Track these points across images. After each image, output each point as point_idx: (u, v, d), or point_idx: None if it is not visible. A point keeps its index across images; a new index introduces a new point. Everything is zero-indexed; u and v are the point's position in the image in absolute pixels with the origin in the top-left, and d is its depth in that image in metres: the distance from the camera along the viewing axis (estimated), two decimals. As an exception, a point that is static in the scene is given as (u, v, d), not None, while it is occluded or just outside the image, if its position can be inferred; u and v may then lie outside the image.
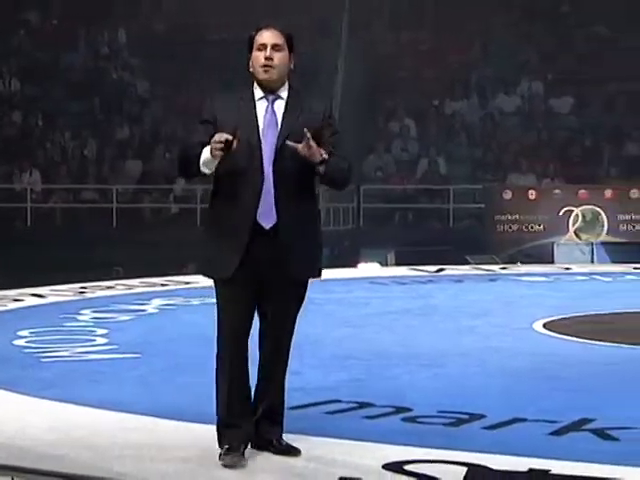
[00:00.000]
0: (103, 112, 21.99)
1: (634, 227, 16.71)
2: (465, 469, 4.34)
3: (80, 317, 9.52)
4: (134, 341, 8.14)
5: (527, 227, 16.95)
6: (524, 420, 5.33)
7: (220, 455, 4.51)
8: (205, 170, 4.45)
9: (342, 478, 4.28)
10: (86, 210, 20.05)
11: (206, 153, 4.40)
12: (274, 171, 4.47)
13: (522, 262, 16.05)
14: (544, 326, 9.03)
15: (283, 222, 4.50)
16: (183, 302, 10.93)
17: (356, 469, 4.39)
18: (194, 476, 4.42)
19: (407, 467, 4.41)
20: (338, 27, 22.75)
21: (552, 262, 16.07)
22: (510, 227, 16.98)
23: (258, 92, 4.58)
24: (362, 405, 5.71)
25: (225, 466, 4.44)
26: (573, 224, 16.71)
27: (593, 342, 8.17)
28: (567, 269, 14.96)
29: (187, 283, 12.97)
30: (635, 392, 6.21)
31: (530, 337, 8.53)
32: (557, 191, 17.28)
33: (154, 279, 13.03)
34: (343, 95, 21.74)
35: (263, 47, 4.51)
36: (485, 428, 5.19)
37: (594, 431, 5.11)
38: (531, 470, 4.35)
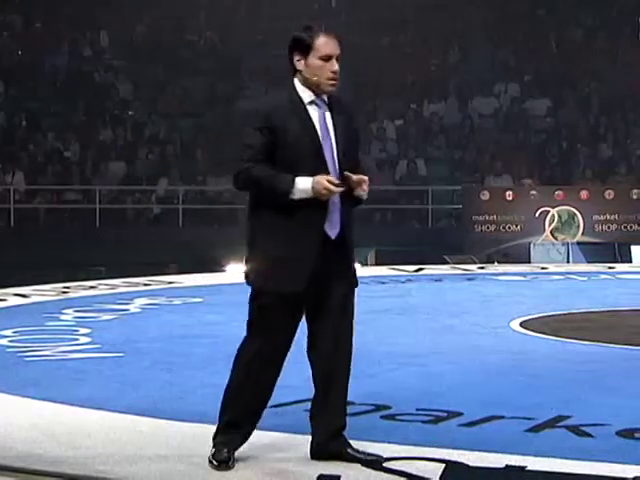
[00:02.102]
0: (86, 114, 21.91)
1: (609, 227, 16.80)
2: (443, 466, 4.35)
3: (63, 317, 9.49)
4: (117, 340, 8.12)
5: (504, 227, 17.01)
6: (501, 417, 5.34)
7: (216, 450, 4.42)
8: (292, 197, 4.23)
9: (321, 475, 4.28)
10: (69, 211, 19.98)
11: (305, 185, 4.20)
12: (338, 179, 4.32)
13: (499, 262, 16.11)
14: (521, 325, 9.06)
15: (346, 231, 4.38)
16: (166, 302, 10.91)
17: (336, 467, 4.39)
18: (175, 474, 4.41)
19: (386, 464, 4.42)
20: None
21: (529, 262, 16.13)
22: (488, 227, 17.04)
23: (306, 95, 4.39)
24: (342, 403, 5.70)
25: (218, 462, 4.36)
26: (549, 224, 16.78)
27: (569, 340, 8.21)
28: (543, 269, 15.02)
29: (170, 283, 12.96)
30: (609, 389, 6.24)
31: (507, 335, 8.56)
32: (533, 192, 17.35)
33: (137, 279, 13.00)
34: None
35: (328, 58, 4.36)
36: (463, 425, 5.20)
37: (569, 428, 5.13)
38: (507, 466, 4.37)
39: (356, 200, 4.42)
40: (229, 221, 19.78)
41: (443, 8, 22.87)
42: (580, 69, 22.00)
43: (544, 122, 21.56)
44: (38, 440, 4.92)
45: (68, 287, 12.09)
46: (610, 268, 14.96)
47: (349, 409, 5.55)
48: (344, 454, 4.42)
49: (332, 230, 4.34)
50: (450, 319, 9.58)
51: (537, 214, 16.82)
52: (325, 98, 4.43)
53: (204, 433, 5.06)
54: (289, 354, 7.46)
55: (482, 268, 15.33)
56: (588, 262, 16.11)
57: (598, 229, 16.80)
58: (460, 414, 5.41)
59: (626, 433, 5.03)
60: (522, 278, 13.72)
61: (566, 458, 4.50)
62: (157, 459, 4.58)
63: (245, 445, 4.83)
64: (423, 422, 5.29)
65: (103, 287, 12.31)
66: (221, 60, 22.39)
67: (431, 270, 15.02)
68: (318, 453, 4.47)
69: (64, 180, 20.47)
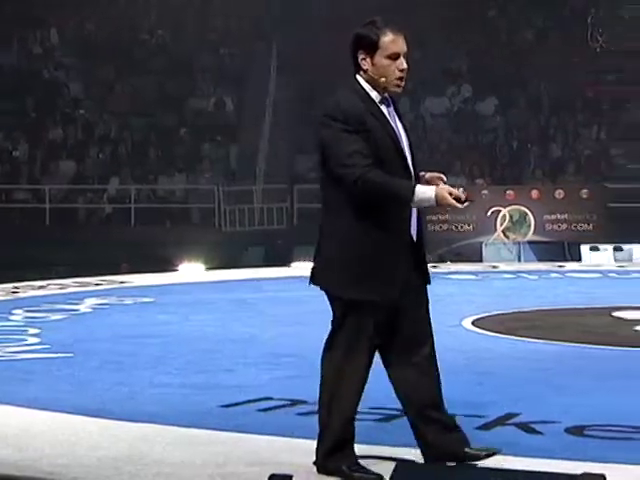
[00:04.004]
0: (36, 112, 21.67)
1: (559, 227, 16.95)
2: (394, 464, 4.35)
3: (12, 317, 9.39)
4: (66, 341, 8.04)
5: (456, 227, 17.11)
6: (452, 415, 5.35)
7: (352, 470, 4.22)
8: (412, 204, 4.09)
9: (273, 475, 4.26)
10: (18, 210, 19.76)
11: (428, 194, 4.04)
12: (414, 179, 4.22)
13: (452, 261, 16.21)
14: (473, 323, 9.11)
15: (422, 232, 4.29)
16: (116, 302, 10.83)
17: (288, 466, 4.38)
18: (125, 475, 4.37)
19: (338, 463, 4.41)
20: (271, 28, 22.69)
21: (481, 261, 16.24)
22: (440, 227, 17.12)
23: (374, 94, 4.23)
24: (295, 402, 5.71)
25: (359, 478, 4.19)
26: (501, 224, 16.90)
27: (520, 339, 8.27)
28: (495, 267, 15.13)
29: (121, 283, 12.86)
30: (559, 387, 6.30)
31: (459, 334, 8.60)
32: (485, 192, 17.46)
33: (87, 279, 12.89)
34: (276, 96, 21.72)
35: (396, 56, 4.17)
36: (414, 423, 5.20)
37: (519, 425, 5.17)
38: (458, 463, 4.38)
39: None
40: (181, 220, 19.70)
41: (395, 9, 22.95)
42: (531, 70, 22.19)
43: (495, 122, 21.73)
44: (-15, 442, 4.85)
45: (17, 287, 11.95)
46: (560, 267, 15.11)
47: (302, 408, 5.57)
48: (462, 453, 4.29)
49: (413, 231, 4.25)
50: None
51: (489, 214, 16.94)
52: (388, 96, 4.29)
53: (154, 433, 5.03)
54: (234, 355, 7.49)
55: (434, 267, 15.38)
56: (539, 261, 16.26)
57: (548, 228, 16.95)
58: (412, 412, 5.41)
59: (575, 430, 5.08)
60: (474, 277, 13.81)
61: (516, 455, 4.53)
62: (106, 460, 4.54)
63: (198, 446, 4.81)
64: (375, 420, 5.30)
65: (53, 287, 12.18)
66: (172, 59, 22.27)
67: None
68: (433, 453, 4.31)
69: (13, 179, 20.25)
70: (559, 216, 16.95)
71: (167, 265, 15.09)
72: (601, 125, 21.47)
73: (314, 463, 4.33)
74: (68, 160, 20.75)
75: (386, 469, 4.28)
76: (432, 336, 4.39)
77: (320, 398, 4.32)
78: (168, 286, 12.57)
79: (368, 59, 4.18)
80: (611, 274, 14.29)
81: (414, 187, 4.08)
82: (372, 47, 4.16)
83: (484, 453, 4.30)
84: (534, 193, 17.17)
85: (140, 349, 7.75)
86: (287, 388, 6.12)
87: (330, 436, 4.26)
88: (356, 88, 4.23)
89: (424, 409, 4.31)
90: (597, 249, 16.17)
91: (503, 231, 16.91)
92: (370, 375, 6.61)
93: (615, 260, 15.64)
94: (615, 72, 22.37)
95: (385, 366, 4.38)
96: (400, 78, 4.20)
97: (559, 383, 6.43)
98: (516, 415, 5.37)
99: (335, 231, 4.20)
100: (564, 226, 16.92)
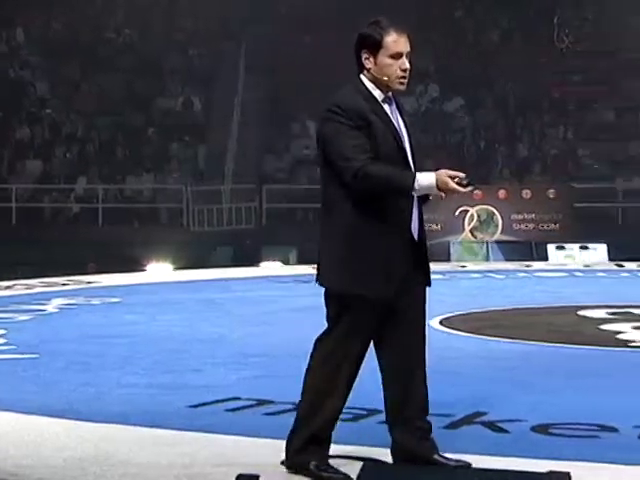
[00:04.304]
0: (2, 112, 21.49)
1: (526, 226, 17.05)
2: (361, 463, 4.35)
3: (-23, 318, 9.29)
4: (32, 341, 7.98)
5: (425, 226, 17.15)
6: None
7: (311, 467, 4.20)
8: (414, 192, 4.08)
9: (240, 475, 4.25)
10: (-16, 210, 19.61)
11: (429, 180, 4.04)
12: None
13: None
14: (440, 322, 9.13)
15: (423, 232, 4.28)
16: (84, 302, 10.76)
17: (255, 466, 4.37)
18: (91, 476, 4.34)
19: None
20: (240, 28, 22.66)
21: (448, 260, 16.30)
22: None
23: (377, 93, 4.25)
24: (262, 402, 5.70)
25: (328, 478, 4.17)
26: (469, 223, 16.98)
27: (487, 338, 8.31)
28: (463, 267, 15.19)
29: (88, 283, 12.78)
30: (526, 386, 6.33)
31: (427, 333, 8.60)
32: (453, 191, 17.51)
33: (54, 279, 12.79)
34: (245, 96, 21.68)
35: (399, 56, 4.20)
36: (381, 423, 5.20)
37: (486, 424, 5.19)
38: (426, 462, 4.39)
39: (424, 198, 4.29)
40: (149, 220, 19.62)
41: (362, 10, 22.98)
42: (497, 70, 22.32)
43: (463, 122, 21.82)
44: (-51, 444, 4.80)
45: (-17, 287, 11.84)
46: (527, 266, 15.19)
47: (267, 408, 5.56)
48: (433, 459, 4.28)
49: (414, 231, 4.24)
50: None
51: (457, 213, 17.00)
52: (391, 95, 4.31)
53: (120, 434, 5.01)
54: (202, 355, 7.47)
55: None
56: (506, 260, 16.34)
57: (516, 228, 17.05)
58: (379, 412, 5.42)
59: (540, 428, 5.11)
60: (442, 276, 13.82)
61: (482, 454, 4.54)
62: (72, 461, 4.51)
63: (164, 446, 4.79)
64: (342, 420, 5.27)
65: (19, 287, 12.08)
66: (139, 58, 22.17)
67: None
68: (403, 457, 4.30)
69: (-21, 179, 20.09)
70: (526, 216, 17.04)
71: (135, 265, 15.02)
72: (567, 125, 21.64)
73: (282, 463, 4.32)
74: (35, 159, 20.61)
75: (354, 469, 4.29)
76: (425, 340, 4.40)
77: (304, 392, 4.31)
78: (135, 286, 12.50)
79: (371, 58, 4.23)
80: (577, 273, 14.40)
81: (414, 175, 4.09)
82: (375, 46, 4.21)
83: (453, 464, 4.30)
84: (501, 193, 17.25)
85: (107, 349, 7.70)
86: (255, 388, 6.11)
87: (306, 431, 4.25)
88: (359, 87, 4.27)
89: (410, 418, 4.32)
90: (563, 248, 16.30)
91: (471, 231, 16.98)
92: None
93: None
94: (581, 72, 22.55)
95: (380, 369, 4.39)
96: (402, 77, 4.23)
97: (525, 382, 6.46)
98: (483, 414, 5.39)
99: (334, 228, 4.22)
100: (531, 226, 17.02)
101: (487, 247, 16.77)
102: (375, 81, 4.25)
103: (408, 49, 4.24)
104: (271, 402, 5.68)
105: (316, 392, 4.27)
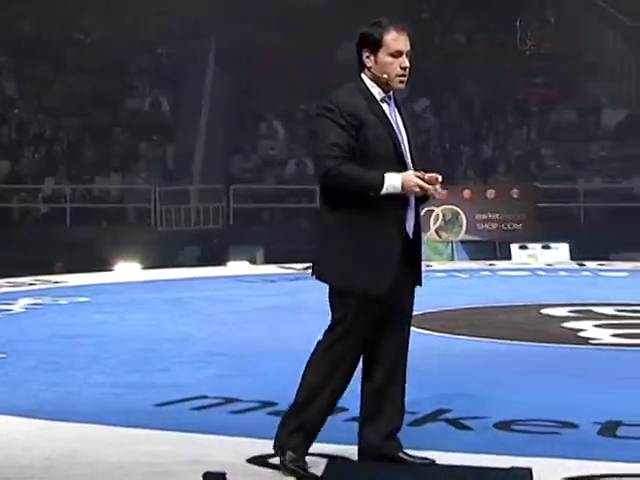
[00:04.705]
0: (-31, 112, 21.33)
1: (490, 226, 17.15)
2: (326, 460, 4.37)
3: (-56, 318, 9.22)
4: (-1, 341, 7.93)
5: (391, 226, 17.21)
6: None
7: (286, 456, 4.21)
8: (380, 194, 4.07)
9: (207, 473, 4.26)
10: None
11: (394, 184, 4.06)
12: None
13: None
14: (405, 321, 9.16)
15: (419, 230, 4.30)
16: (51, 301, 10.70)
17: (221, 464, 4.38)
18: (58, 474, 4.33)
19: (271, 460, 4.42)
20: (208, 28, 22.60)
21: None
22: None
23: (376, 92, 4.27)
24: (228, 400, 5.71)
25: (292, 471, 4.17)
26: (434, 223, 17.05)
27: (452, 336, 8.36)
28: (428, 266, 15.24)
29: (55, 282, 12.72)
30: (489, 383, 6.38)
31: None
32: (418, 191, 17.58)
33: (21, 279, 12.70)
34: (213, 96, 21.64)
35: (399, 54, 4.23)
36: (347, 420, 5.23)
37: (449, 421, 5.23)
38: (387, 459, 4.41)
39: (423, 198, 4.32)
40: (117, 220, 19.53)
41: (332, 9, 23.03)
42: (462, 72, 22.43)
43: (429, 123, 21.91)
44: None
45: (-50, 287, 11.74)
46: (491, 265, 15.29)
47: (234, 406, 5.58)
48: (398, 457, 4.30)
49: (410, 228, 4.25)
50: (337, 316, 9.62)
51: (422, 213, 17.03)
52: (392, 95, 4.33)
53: (89, 433, 5.00)
54: (169, 354, 7.46)
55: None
56: (471, 260, 16.43)
57: (480, 227, 17.13)
58: (345, 410, 5.44)
59: (503, 425, 5.15)
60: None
61: (446, 451, 4.58)
62: (41, 460, 4.49)
63: (132, 445, 4.78)
64: (308, 418, 5.31)
65: (-14, 287, 11.99)
66: (107, 59, 22.05)
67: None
68: (370, 455, 4.31)
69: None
70: (490, 215, 17.13)
71: (103, 265, 14.94)
72: (531, 126, 21.80)
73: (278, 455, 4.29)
74: (2, 160, 20.43)
75: (319, 466, 4.31)
76: (409, 339, 4.40)
77: (301, 384, 4.32)
78: (103, 286, 12.45)
79: (372, 57, 4.25)
80: (540, 272, 14.51)
81: (383, 176, 4.10)
82: (376, 45, 4.24)
83: (417, 461, 4.33)
84: (466, 193, 17.32)
85: (75, 349, 7.67)
86: (221, 386, 6.12)
87: (296, 421, 4.27)
88: (359, 85, 4.29)
89: (387, 417, 4.34)
90: (526, 248, 16.42)
91: (436, 230, 17.06)
92: (298, 371, 6.64)
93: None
94: (543, 74, 22.73)
95: (363, 363, 4.38)
96: (402, 75, 4.26)
97: (489, 379, 6.52)
98: (447, 411, 5.43)
99: (329, 225, 4.22)
100: (495, 225, 17.11)
101: (452, 246, 16.85)
102: (375, 80, 4.27)
103: (408, 48, 4.28)
104: (237, 400, 5.69)
105: (312, 386, 4.29)
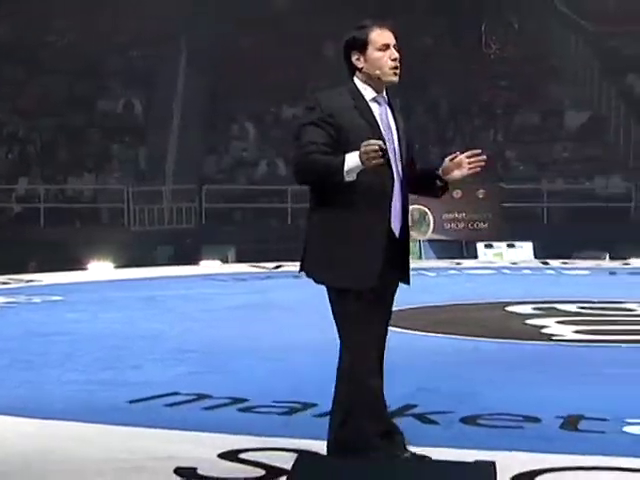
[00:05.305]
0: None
1: (457, 225, 17.22)
2: (296, 455, 4.38)
3: None
4: (-27, 340, 7.87)
5: (359, 225, 17.23)
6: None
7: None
8: (348, 178, 4.00)
9: (179, 468, 4.25)
10: None
11: (354, 160, 3.98)
12: (401, 175, 4.23)
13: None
14: (373, 318, 9.18)
15: (406, 226, 4.25)
16: (25, 300, 10.63)
17: (193, 459, 4.37)
18: (32, 470, 4.30)
19: (242, 455, 4.43)
20: (179, 31, 22.53)
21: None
22: (344, 225, 17.21)
23: (369, 93, 4.24)
24: (200, 397, 5.69)
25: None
26: (402, 222, 17.07)
27: (418, 333, 8.39)
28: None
29: (29, 281, 12.63)
30: (455, 379, 6.41)
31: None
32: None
33: (-4, 278, 12.62)
34: (185, 97, 21.58)
35: (386, 47, 4.22)
36: (316, 416, 5.24)
37: (416, 416, 5.25)
38: (357, 454, 4.42)
39: (442, 188, 4.29)
40: (91, 220, 19.43)
41: (300, 13, 23.05)
42: (430, 75, 22.51)
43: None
44: None
45: None
46: (458, 264, 15.36)
47: (205, 403, 5.57)
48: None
49: (395, 225, 4.21)
50: (308, 314, 9.63)
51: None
52: (385, 95, 4.28)
53: (62, 430, 4.98)
54: (141, 352, 7.43)
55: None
56: (438, 258, 16.50)
57: (447, 227, 17.20)
58: (315, 405, 5.46)
59: (469, 420, 5.18)
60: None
61: (413, 445, 4.58)
62: (15, 456, 4.46)
63: (105, 441, 4.77)
64: (279, 414, 5.32)
65: (-39, 286, 11.89)
66: (81, 60, 21.93)
67: (290, 267, 15.08)
68: (339, 449, 4.25)
69: None
70: (457, 215, 17.20)
71: (76, 264, 14.86)
72: (496, 128, 21.91)
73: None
74: (-24, 160, 20.28)
75: (289, 461, 4.31)
76: (386, 338, 4.38)
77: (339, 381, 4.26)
78: (77, 285, 12.38)
79: (361, 57, 4.25)
80: (505, 270, 14.60)
81: (344, 157, 4.05)
82: (363, 45, 4.25)
83: (383, 455, 4.34)
84: (433, 193, 17.35)
85: (49, 347, 7.62)
86: (193, 383, 6.11)
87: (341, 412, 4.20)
88: (349, 85, 4.27)
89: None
90: (491, 247, 16.51)
91: (404, 230, 17.08)
92: (275, 370, 6.66)
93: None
94: (508, 78, 22.87)
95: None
96: (394, 67, 4.25)
97: (455, 375, 6.54)
98: (413, 406, 5.45)
99: (315, 221, 4.23)
100: (461, 225, 17.18)
101: (420, 246, 16.90)
102: (368, 80, 4.25)
103: (394, 41, 4.27)
104: (209, 397, 5.68)
105: (350, 379, 4.21)
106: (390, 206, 4.19)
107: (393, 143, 4.24)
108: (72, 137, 20.82)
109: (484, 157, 4.28)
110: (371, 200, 4.13)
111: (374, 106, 4.24)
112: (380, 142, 4.00)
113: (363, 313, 4.17)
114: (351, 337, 4.19)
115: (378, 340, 4.29)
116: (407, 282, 4.38)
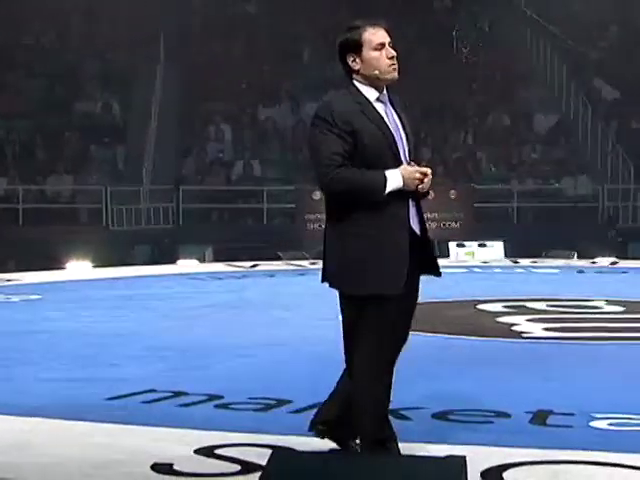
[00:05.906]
0: None
1: (430, 225, 17.15)
2: (271, 451, 4.36)
3: None
4: (-48, 338, 7.79)
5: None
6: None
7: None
8: (385, 193, 3.98)
9: (155, 464, 4.23)
10: None
11: (396, 181, 3.97)
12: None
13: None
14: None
15: (425, 225, 4.19)
16: (4, 299, 10.55)
17: (169, 455, 4.35)
18: (9, 465, 4.26)
19: (217, 451, 4.42)
20: (157, 32, 22.42)
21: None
22: (319, 225, 17.21)
23: (371, 94, 4.15)
24: (177, 394, 5.67)
25: None
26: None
27: (391, 330, 8.38)
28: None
29: (8, 280, 12.54)
30: (427, 375, 6.42)
31: (336, 327, 8.62)
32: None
33: (-26, 277, 12.52)
34: (163, 98, 21.49)
35: (381, 46, 4.14)
36: (291, 412, 5.25)
37: (389, 411, 5.23)
38: (332, 450, 4.42)
39: (423, 195, 4.23)
40: (69, 220, 19.30)
41: (276, 13, 23.00)
42: (403, 77, 22.51)
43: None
44: None
45: None
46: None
47: (181, 400, 5.54)
48: (347, 444, 4.31)
49: (415, 225, 4.14)
50: (284, 312, 9.64)
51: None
52: (386, 93, 4.20)
53: (40, 427, 4.94)
54: (118, 349, 7.40)
55: (314, 264, 15.47)
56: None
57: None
58: (289, 402, 5.45)
59: (440, 415, 5.19)
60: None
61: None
62: (-9, 454, 4.42)
63: (82, 437, 4.73)
64: (254, 410, 5.31)
65: (-61, 285, 11.78)
66: (59, 62, 21.78)
67: (265, 266, 15.09)
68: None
69: None
70: (429, 215, 17.24)
71: (55, 263, 14.77)
72: (467, 130, 21.99)
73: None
74: (-45, 161, 20.08)
75: (264, 456, 4.30)
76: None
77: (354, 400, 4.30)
78: (56, 284, 12.30)
79: (357, 58, 4.16)
80: (476, 269, 14.64)
81: (385, 176, 3.99)
82: (357, 46, 4.16)
83: (356, 449, 4.33)
84: (406, 193, 17.39)
85: (27, 345, 7.57)
86: (170, 380, 6.08)
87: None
88: (351, 89, 4.18)
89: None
90: (463, 246, 16.56)
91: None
92: (250, 367, 6.65)
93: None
94: (479, 81, 22.95)
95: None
96: (392, 65, 4.17)
97: (427, 371, 6.55)
98: (386, 402, 5.43)
99: (336, 231, 4.11)
100: (434, 225, 17.22)
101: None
102: (368, 80, 4.17)
103: (388, 39, 4.20)
104: (185, 394, 5.66)
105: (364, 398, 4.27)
106: (408, 206, 4.12)
107: (402, 141, 4.18)
108: (50, 138, 20.68)
109: (430, 177, 4.16)
110: (391, 202, 4.04)
111: (379, 106, 4.16)
112: (428, 170, 4.03)
113: (391, 319, 4.15)
114: (375, 343, 4.20)
115: (397, 343, 4.31)
116: (438, 274, 4.30)
